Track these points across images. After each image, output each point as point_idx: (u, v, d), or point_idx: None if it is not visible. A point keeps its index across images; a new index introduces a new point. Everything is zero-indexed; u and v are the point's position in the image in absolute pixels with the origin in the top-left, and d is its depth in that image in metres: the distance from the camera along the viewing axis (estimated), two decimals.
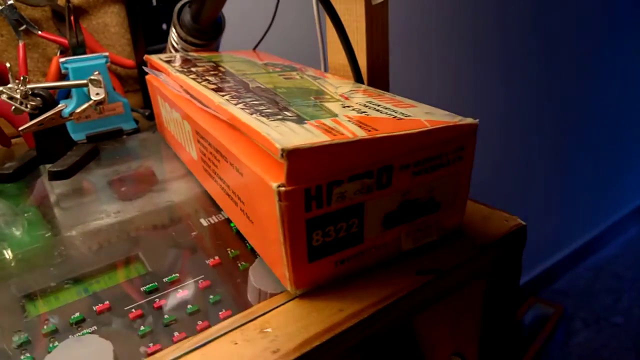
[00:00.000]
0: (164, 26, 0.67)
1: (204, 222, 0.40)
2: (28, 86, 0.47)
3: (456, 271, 0.31)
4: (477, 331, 0.36)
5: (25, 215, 0.43)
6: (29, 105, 0.46)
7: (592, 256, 1.98)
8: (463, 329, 0.37)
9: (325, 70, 0.54)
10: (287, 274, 0.28)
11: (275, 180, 0.26)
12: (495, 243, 0.33)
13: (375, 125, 0.29)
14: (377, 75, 0.45)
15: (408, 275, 0.30)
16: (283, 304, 0.28)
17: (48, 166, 0.47)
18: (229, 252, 0.36)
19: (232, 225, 0.39)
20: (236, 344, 0.25)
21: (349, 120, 0.30)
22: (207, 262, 0.35)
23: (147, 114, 0.57)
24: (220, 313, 0.30)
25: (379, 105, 0.34)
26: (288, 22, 0.80)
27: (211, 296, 0.32)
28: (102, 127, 0.56)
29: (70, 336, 0.29)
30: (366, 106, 0.33)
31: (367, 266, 0.30)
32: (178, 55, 0.54)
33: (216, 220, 0.41)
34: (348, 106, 0.33)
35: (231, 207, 0.36)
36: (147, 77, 0.54)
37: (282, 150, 0.25)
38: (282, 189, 0.25)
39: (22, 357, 0.27)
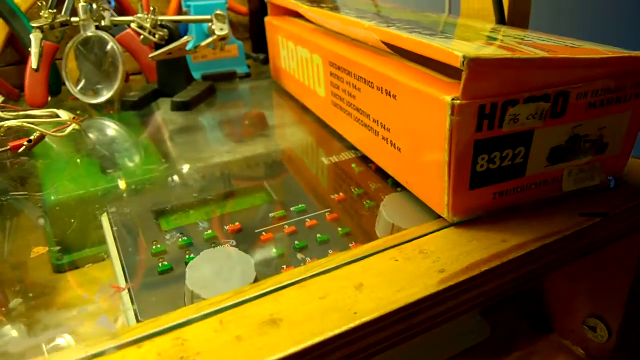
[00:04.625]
0: None
1: (325, 161, 0.40)
2: (157, 17, 0.48)
3: (621, 218, 0.28)
4: (624, 294, 0.33)
5: (146, 145, 0.44)
6: (157, 36, 0.47)
7: None
8: (606, 289, 0.34)
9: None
10: (446, 199, 0.26)
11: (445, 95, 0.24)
12: None
13: (552, 49, 0.26)
14: (517, 19, 0.42)
15: (570, 215, 0.27)
16: (439, 230, 0.26)
17: (171, 98, 0.48)
18: (353, 190, 0.35)
19: (353, 166, 0.38)
20: (397, 260, 0.24)
21: (520, 44, 0.27)
22: (333, 197, 0.35)
23: (261, 58, 0.57)
24: (350, 245, 0.29)
25: (541, 37, 0.31)
26: None
27: (340, 228, 0.31)
28: (217, 68, 0.57)
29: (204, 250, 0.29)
30: (527, 37, 0.31)
31: (525, 203, 0.28)
32: None
33: (337, 160, 0.40)
34: (508, 35, 0.31)
35: (369, 139, 0.35)
36: (266, 18, 0.53)
37: (464, 57, 0.23)
38: (457, 102, 0.24)
39: (159, 263, 0.27)
